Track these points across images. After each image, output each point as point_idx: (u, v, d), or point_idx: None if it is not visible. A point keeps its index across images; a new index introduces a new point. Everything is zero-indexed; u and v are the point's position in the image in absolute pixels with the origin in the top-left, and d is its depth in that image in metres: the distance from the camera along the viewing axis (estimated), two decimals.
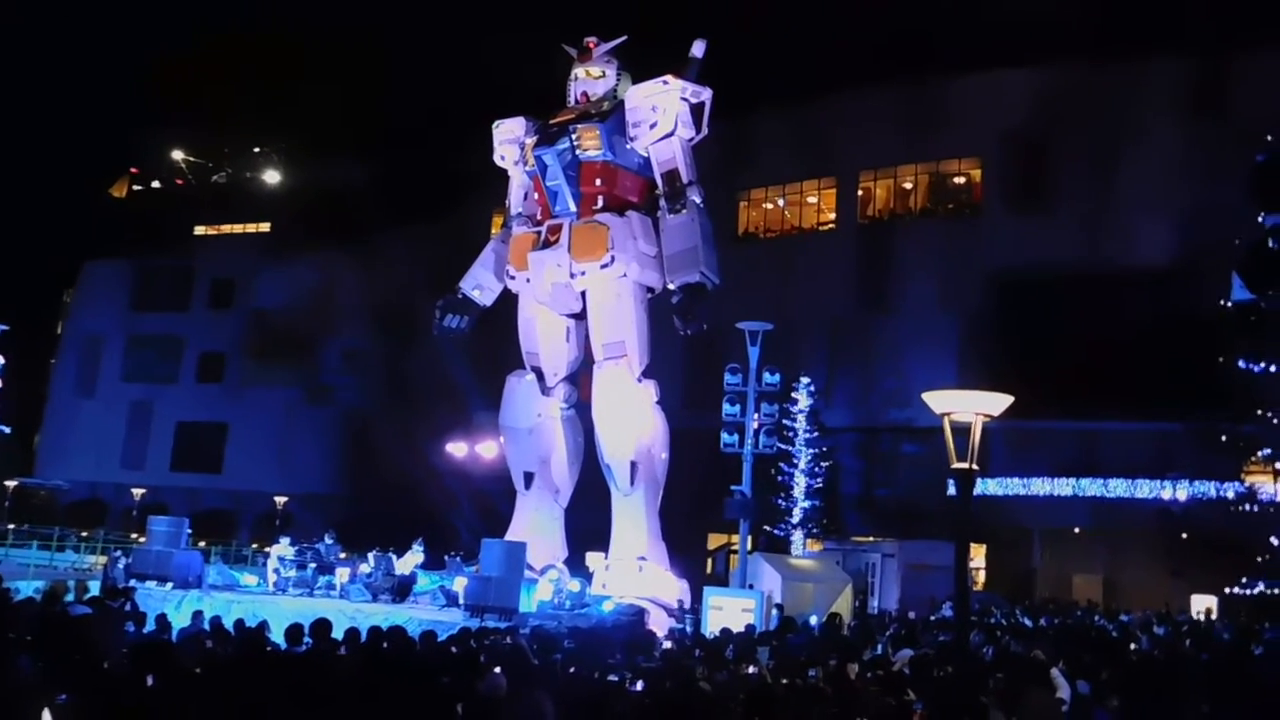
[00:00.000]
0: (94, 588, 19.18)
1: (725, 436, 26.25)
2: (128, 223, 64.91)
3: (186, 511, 31.31)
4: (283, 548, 21.73)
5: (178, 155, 69.91)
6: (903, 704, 8.52)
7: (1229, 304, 16.75)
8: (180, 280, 61.35)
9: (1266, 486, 18.34)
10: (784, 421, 30.84)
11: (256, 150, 68.86)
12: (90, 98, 71.84)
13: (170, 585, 19.65)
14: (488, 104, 26.86)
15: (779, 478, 35.73)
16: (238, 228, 63.69)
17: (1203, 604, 29.11)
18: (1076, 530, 37.01)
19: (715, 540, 40.35)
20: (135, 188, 70.41)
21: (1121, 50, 38.10)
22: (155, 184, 70.37)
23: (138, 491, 51.71)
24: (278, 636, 12.14)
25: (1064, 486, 36.20)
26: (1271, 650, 15.52)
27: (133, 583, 19.15)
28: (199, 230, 64.15)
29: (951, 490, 36.45)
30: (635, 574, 19.61)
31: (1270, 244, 15.96)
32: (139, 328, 61.04)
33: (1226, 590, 17.82)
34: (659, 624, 18.08)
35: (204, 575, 20.74)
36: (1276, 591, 15.77)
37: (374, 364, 53.30)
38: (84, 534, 41.75)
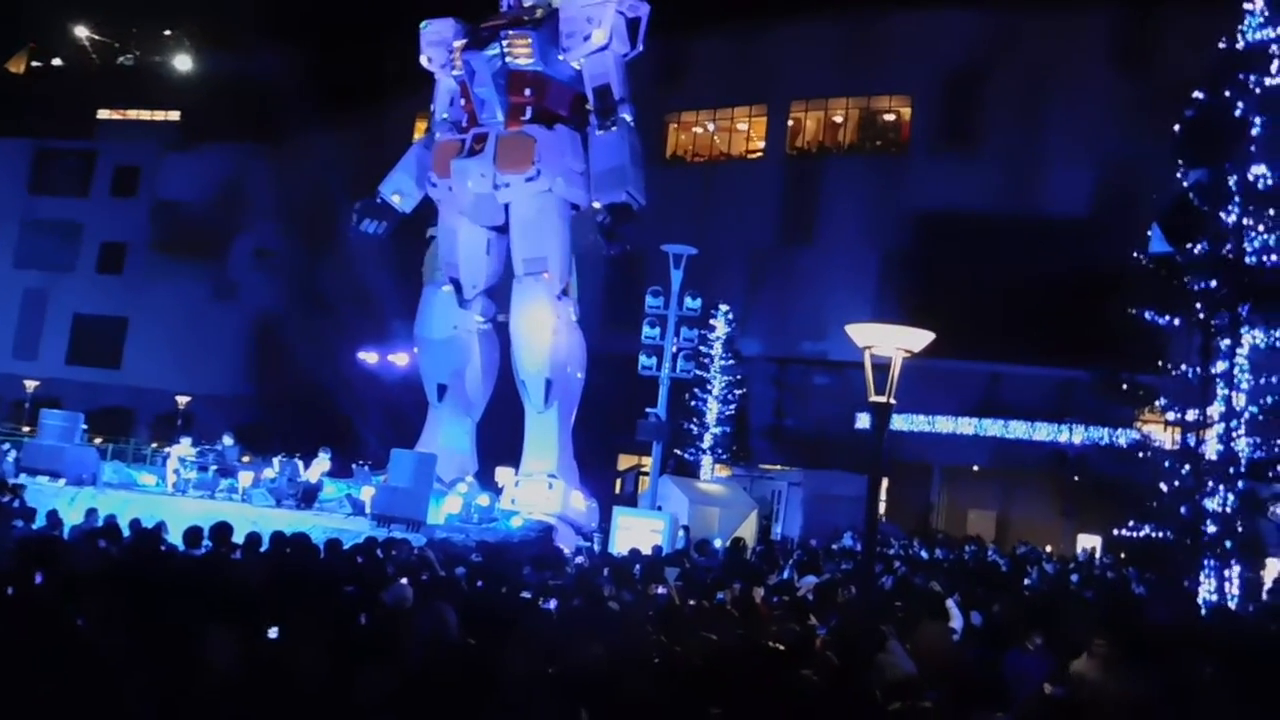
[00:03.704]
0: None
1: (644, 359, 26.26)
2: (25, 100, 61.35)
3: (83, 407, 30.17)
4: (183, 448, 21.19)
5: (81, 32, 66.06)
6: (807, 629, 8.66)
7: (1143, 256, 17.14)
8: (81, 165, 58.41)
9: (1158, 435, 19.06)
10: (700, 348, 30.94)
11: (167, 33, 65.44)
12: None
13: (63, 481, 19.03)
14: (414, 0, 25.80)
15: (692, 403, 36.00)
16: (145, 114, 60.64)
17: (1088, 543, 30.53)
18: (975, 468, 38.20)
19: (626, 461, 40.64)
20: (34, 64, 66.44)
21: None
22: (56, 61, 66.50)
23: (30, 384, 49.77)
24: (175, 538, 11.84)
25: (966, 425, 37.26)
26: (1155, 590, 16.28)
27: (22, 477, 18.49)
28: (103, 114, 60.97)
29: (862, 423, 37.15)
30: (545, 491, 19.63)
31: (1192, 198, 16.32)
32: (35, 212, 58.12)
33: (1114, 532, 18.62)
34: (566, 542, 18.18)
35: (99, 473, 20.13)
36: (1161, 535, 16.51)
37: (285, 265, 51.80)
38: None
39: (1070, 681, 7.85)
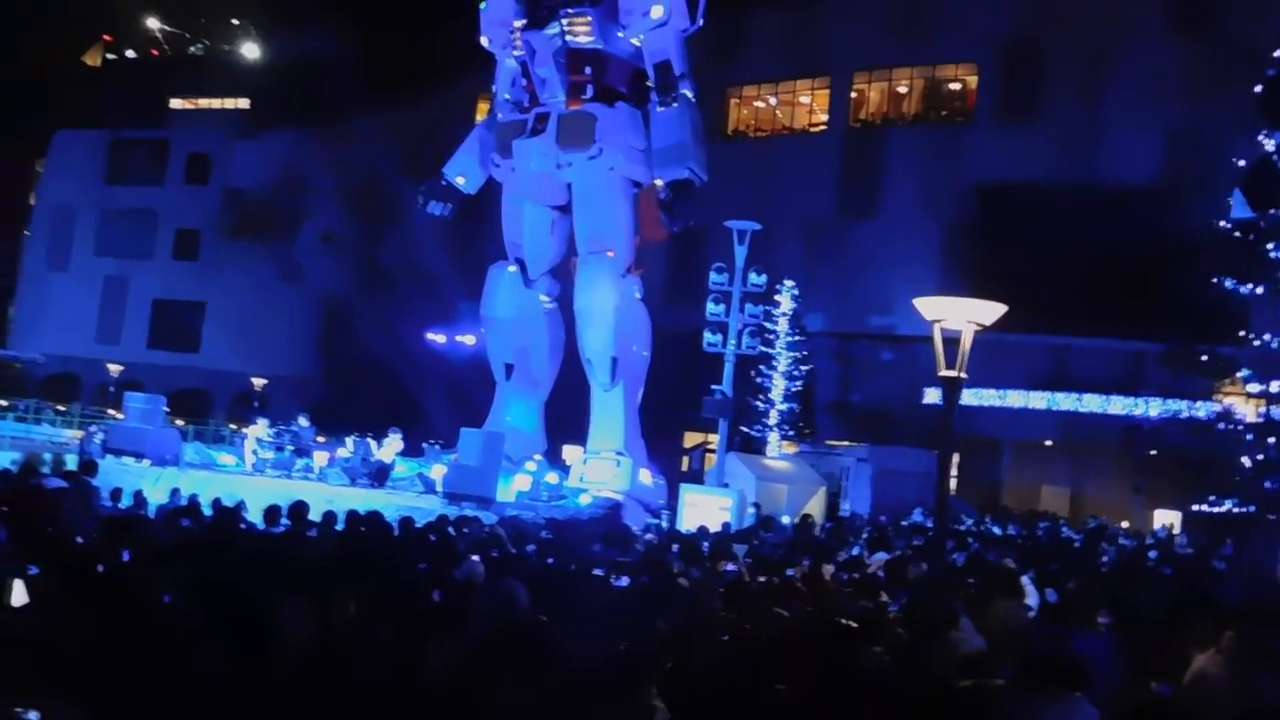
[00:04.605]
0: (71, 462, 19.10)
1: (709, 336, 26.21)
2: (101, 92, 62.96)
3: (163, 389, 31.10)
4: (260, 429, 21.69)
5: (153, 24, 67.52)
6: (878, 606, 8.59)
7: (1226, 223, 16.56)
8: (155, 154, 59.87)
9: (1240, 407, 18.50)
10: (765, 324, 30.75)
11: (235, 22, 66.59)
12: None
13: (147, 462, 19.62)
14: None
15: (758, 379, 35.83)
16: (215, 102, 61.94)
17: (1165, 519, 29.76)
18: (1047, 443, 37.49)
19: (692, 438, 40.65)
20: (109, 56, 68.12)
21: None
22: (130, 53, 68.10)
23: (114, 368, 51.31)
24: (255, 517, 12.14)
25: (1038, 400, 36.54)
26: (1234, 567, 15.85)
27: (109, 458, 19.08)
28: (175, 103, 62.37)
29: (929, 398, 36.58)
30: (613, 468, 19.73)
31: (1274, 161, 15.72)
32: (112, 201, 59.71)
33: (1194, 507, 18.13)
34: (634, 519, 18.26)
35: (181, 453, 20.71)
36: (1244, 510, 16.05)
37: (353, 247, 52.58)
38: (60, 408, 41.50)
39: (1188, 677, 7.47)
